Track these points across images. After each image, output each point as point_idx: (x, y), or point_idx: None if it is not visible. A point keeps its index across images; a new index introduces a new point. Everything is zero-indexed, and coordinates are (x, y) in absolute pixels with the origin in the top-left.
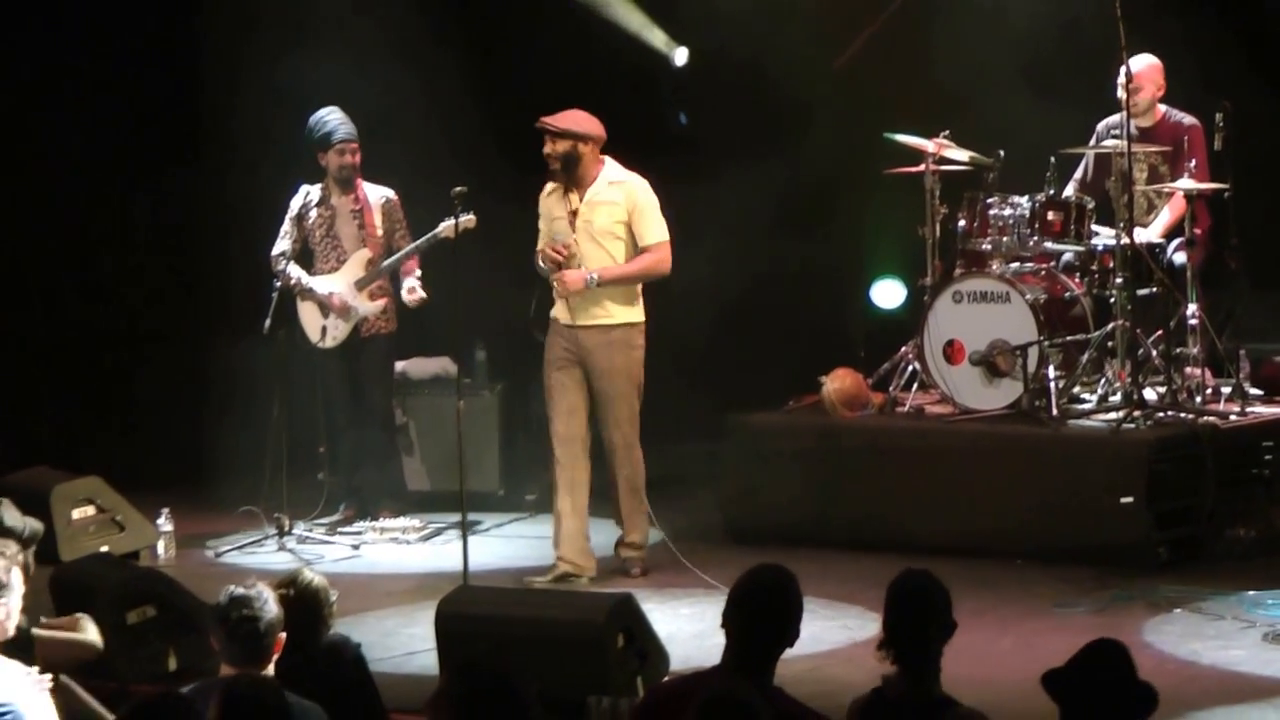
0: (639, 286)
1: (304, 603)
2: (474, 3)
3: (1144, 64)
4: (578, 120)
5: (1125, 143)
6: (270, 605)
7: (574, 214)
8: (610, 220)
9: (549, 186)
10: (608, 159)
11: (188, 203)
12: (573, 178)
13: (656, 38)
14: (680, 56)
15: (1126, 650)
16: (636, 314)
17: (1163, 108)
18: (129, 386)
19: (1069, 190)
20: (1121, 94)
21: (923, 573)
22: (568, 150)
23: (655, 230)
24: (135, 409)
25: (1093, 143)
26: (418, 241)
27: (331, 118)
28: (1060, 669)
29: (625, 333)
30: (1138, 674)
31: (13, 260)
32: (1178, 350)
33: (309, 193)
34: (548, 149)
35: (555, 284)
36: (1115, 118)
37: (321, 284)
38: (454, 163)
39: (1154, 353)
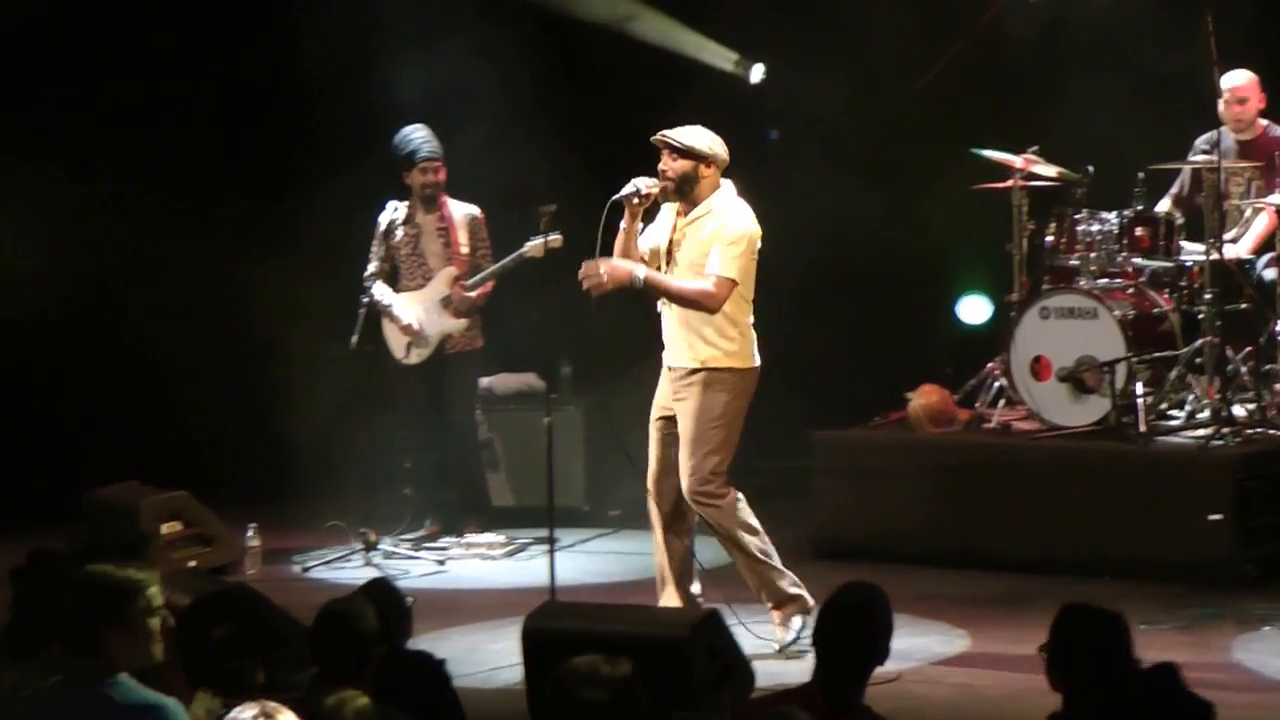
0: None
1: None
2: (560, 24)
3: (1246, 78)
4: (699, 138)
5: (1216, 158)
6: (367, 619)
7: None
8: (697, 252)
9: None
10: (726, 183)
11: (277, 220)
12: (687, 199)
13: (720, 57)
14: (756, 74)
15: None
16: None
17: (1263, 122)
18: (217, 402)
19: (1164, 205)
20: (1222, 108)
21: (1086, 607)
22: (686, 171)
23: (719, 264)
24: (223, 424)
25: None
26: (504, 260)
27: (415, 135)
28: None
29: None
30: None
31: (104, 278)
32: (1267, 366)
33: (396, 209)
34: (663, 165)
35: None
36: (1214, 132)
37: (406, 303)
38: (540, 180)
39: (1243, 369)
